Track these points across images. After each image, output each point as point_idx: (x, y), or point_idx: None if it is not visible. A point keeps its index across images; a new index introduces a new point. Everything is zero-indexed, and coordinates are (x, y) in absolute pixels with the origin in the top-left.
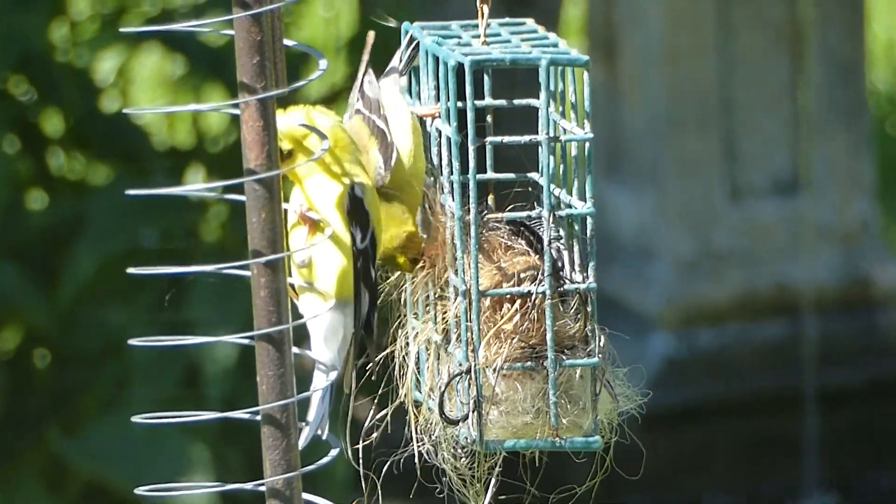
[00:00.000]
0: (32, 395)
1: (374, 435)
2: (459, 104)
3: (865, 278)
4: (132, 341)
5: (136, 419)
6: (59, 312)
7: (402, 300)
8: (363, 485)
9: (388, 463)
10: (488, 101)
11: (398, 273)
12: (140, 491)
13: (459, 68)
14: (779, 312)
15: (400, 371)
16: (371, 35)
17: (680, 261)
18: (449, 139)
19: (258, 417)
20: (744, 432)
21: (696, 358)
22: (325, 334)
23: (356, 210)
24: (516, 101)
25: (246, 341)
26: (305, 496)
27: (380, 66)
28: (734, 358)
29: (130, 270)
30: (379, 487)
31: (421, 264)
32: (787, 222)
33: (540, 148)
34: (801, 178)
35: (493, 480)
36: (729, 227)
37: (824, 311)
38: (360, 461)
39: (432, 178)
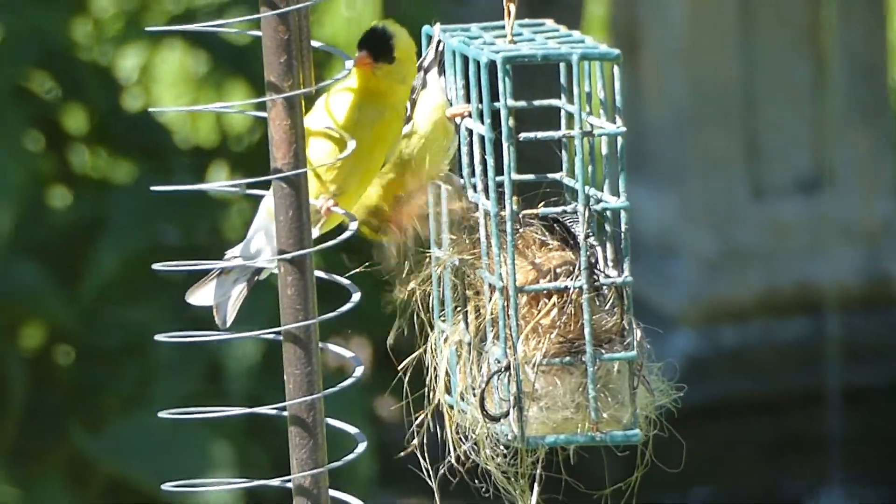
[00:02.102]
0: (55, 392)
1: (415, 441)
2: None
3: (888, 276)
4: (158, 336)
5: (162, 414)
6: (81, 309)
7: (429, 304)
8: (433, 485)
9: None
10: (510, 102)
11: (422, 278)
12: (167, 487)
13: (491, 66)
14: (801, 310)
15: (432, 375)
16: (437, 27)
17: (702, 259)
18: (481, 137)
19: (284, 413)
20: (766, 430)
21: (719, 356)
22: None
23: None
24: (537, 102)
25: (270, 336)
26: (332, 493)
27: None
28: (756, 356)
29: (155, 266)
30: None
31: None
32: (809, 220)
33: (564, 146)
34: (824, 176)
35: (537, 477)
36: (751, 225)
37: (846, 309)
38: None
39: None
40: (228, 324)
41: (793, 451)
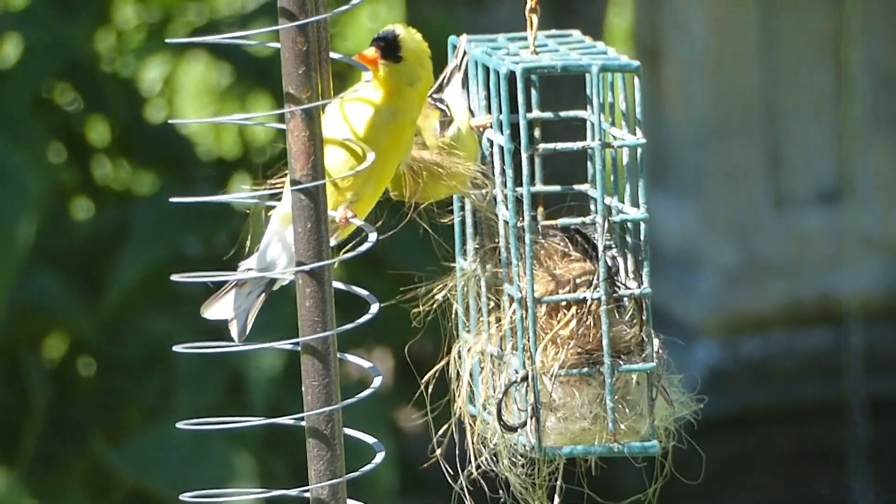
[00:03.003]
0: (77, 403)
1: (439, 451)
2: (511, 113)
3: None
4: (177, 347)
5: (180, 425)
6: (103, 321)
7: (453, 313)
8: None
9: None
10: (536, 113)
11: (447, 286)
12: (185, 497)
13: (511, 77)
14: (823, 322)
15: (455, 384)
16: (463, 38)
17: (724, 270)
18: (501, 148)
19: (303, 423)
20: (788, 441)
21: (741, 367)
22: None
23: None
24: (563, 114)
25: (289, 347)
26: (350, 503)
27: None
28: (778, 367)
29: (174, 277)
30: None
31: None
32: (831, 231)
33: (589, 156)
34: (845, 186)
35: (557, 487)
36: (773, 236)
37: (868, 320)
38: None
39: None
40: (244, 337)
41: (814, 462)
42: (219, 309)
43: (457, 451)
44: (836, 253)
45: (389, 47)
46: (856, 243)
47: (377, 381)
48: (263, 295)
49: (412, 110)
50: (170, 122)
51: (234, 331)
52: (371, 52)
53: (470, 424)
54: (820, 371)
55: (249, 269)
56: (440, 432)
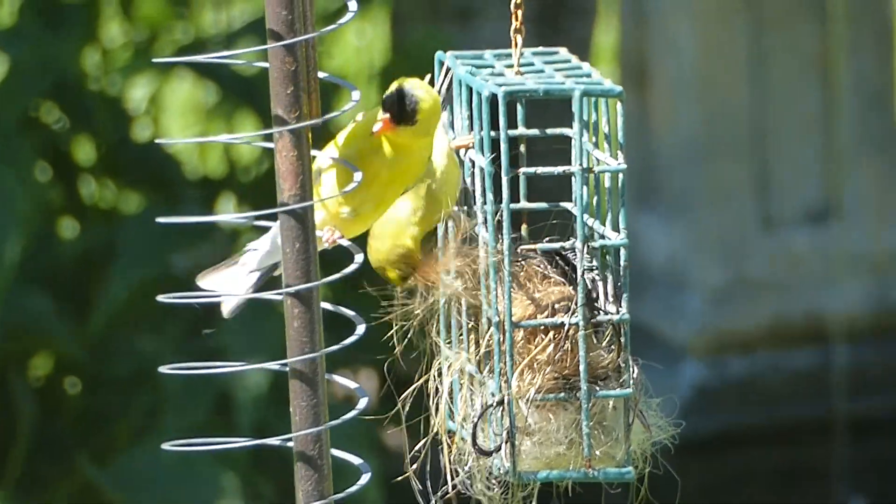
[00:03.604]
0: (63, 422)
1: (415, 466)
2: (493, 134)
3: None
4: (163, 368)
5: (166, 446)
6: (90, 340)
7: (434, 329)
8: None
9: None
10: (521, 130)
11: (430, 301)
12: None
13: (493, 98)
14: (810, 341)
15: (433, 401)
16: (450, 56)
17: (711, 289)
18: (482, 169)
19: (290, 444)
20: (775, 461)
21: (727, 387)
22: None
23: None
24: (549, 131)
25: (277, 367)
26: None
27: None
28: (765, 387)
29: (160, 298)
30: None
31: (412, 282)
32: (818, 251)
33: (573, 178)
34: (833, 206)
35: None
36: (761, 255)
37: (855, 340)
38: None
39: (465, 209)
40: (233, 315)
41: (801, 482)
42: (214, 280)
43: (429, 469)
44: (823, 273)
45: (406, 112)
46: (843, 263)
47: (363, 402)
48: (262, 278)
49: (422, 150)
50: (157, 141)
51: (225, 307)
52: (386, 120)
53: (447, 442)
54: (807, 390)
55: (254, 251)
56: (416, 448)
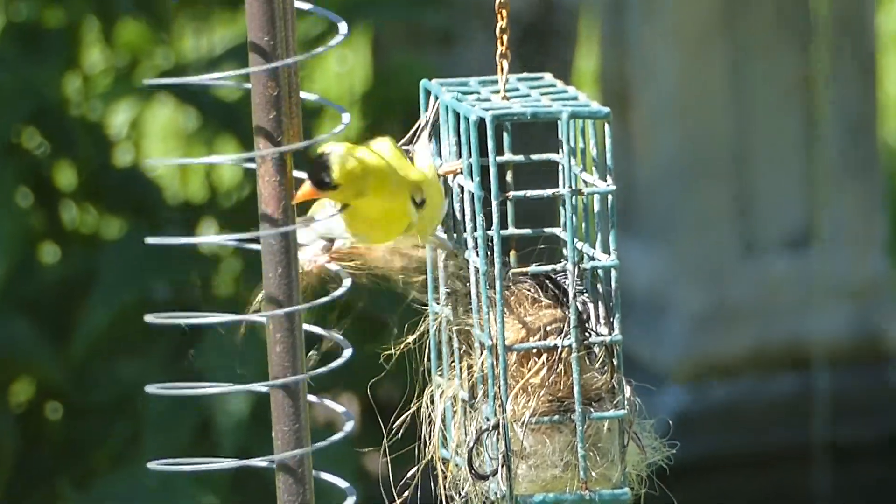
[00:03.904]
0: (44, 448)
1: (406, 493)
2: (481, 159)
3: (878, 333)
4: (149, 388)
5: (151, 465)
6: (71, 365)
7: (426, 355)
8: None
9: None
10: (508, 156)
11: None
12: None
13: (481, 123)
14: (791, 367)
15: (427, 428)
16: (433, 100)
17: (692, 315)
18: (472, 194)
19: (273, 466)
20: (756, 486)
21: (709, 412)
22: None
23: None
24: (535, 157)
25: (261, 390)
26: None
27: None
28: (746, 412)
29: (148, 317)
30: None
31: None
32: (799, 277)
33: (560, 202)
34: (814, 232)
35: None
36: (741, 281)
37: (837, 365)
38: None
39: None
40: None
41: None
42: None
43: (419, 496)
44: (804, 299)
45: (321, 177)
46: (824, 289)
47: (349, 426)
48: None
49: (380, 206)
50: (140, 163)
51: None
52: (305, 187)
53: (442, 469)
54: (788, 416)
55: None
56: (408, 475)
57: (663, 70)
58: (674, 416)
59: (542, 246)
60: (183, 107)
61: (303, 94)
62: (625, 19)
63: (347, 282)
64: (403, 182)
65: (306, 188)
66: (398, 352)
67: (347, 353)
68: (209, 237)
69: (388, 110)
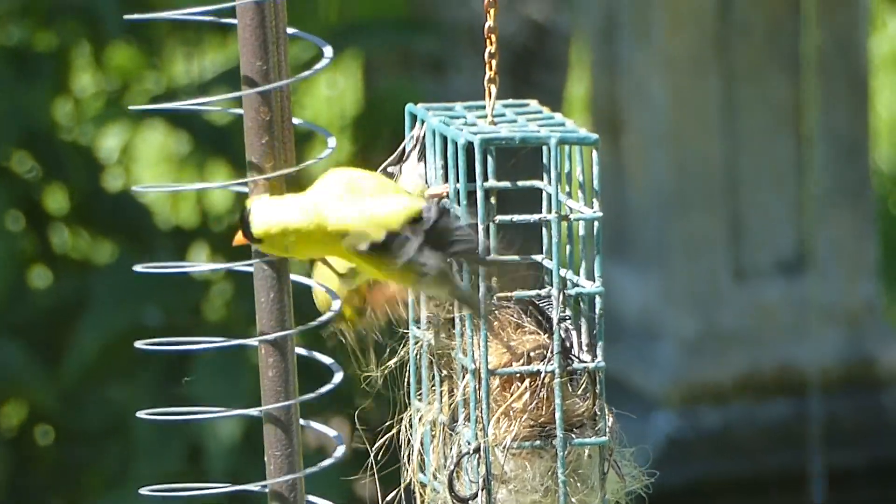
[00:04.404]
0: (36, 472)
1: None
2: (468, 184)
3: (870, 358)
4: (140, 413)
5: (143, 491)
6: (62, 390)
7: (405, 381)
8: None
9: None
10: (492, 182)
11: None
12: None
13: (469, 147)
14: (783, 392)
15: (405, 452)
16: (418, 127)
17: (684, 340)
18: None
19: (265, 491)
20: None
21: (700, 437)
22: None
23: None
24: (520, 183)
25: (253, 414)
26: None
27: (381, 144)
28: (738, 437)
29: (138, 344)
30: None
31: (366, 314)
32: (791, 302)
33: (543, 228)
34: (806, 258)
35: None
36: (733, 306)
37: (829, 391)
38: None
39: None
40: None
41: None
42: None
43: None
44: (796, 324)
45: (246, 230)
46: (816, 314)
47: (340, 451)
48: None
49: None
50: (131, 189)
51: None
52: (238, 236)
53: (420, 493)
54: (780, 442)
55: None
56: (388, 498)
57: (655, 96)
58: (666, 441)
59: (524, 272)
60: (174, 131)
61: (294, 120)
62: (616, 45)
63: (337, 304)
64: (334, 236)
65: (239, 236)
66: (380, 375)
67: (338, 377)
68: (200, 265)
69: (379, 135)
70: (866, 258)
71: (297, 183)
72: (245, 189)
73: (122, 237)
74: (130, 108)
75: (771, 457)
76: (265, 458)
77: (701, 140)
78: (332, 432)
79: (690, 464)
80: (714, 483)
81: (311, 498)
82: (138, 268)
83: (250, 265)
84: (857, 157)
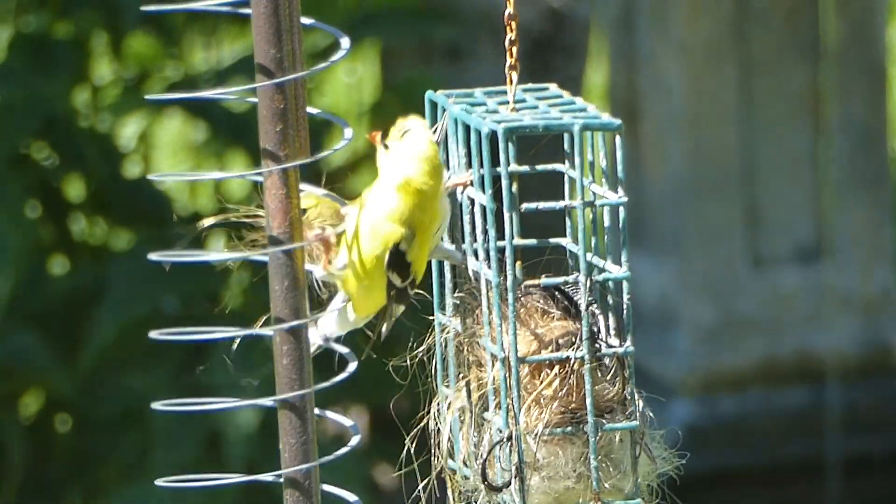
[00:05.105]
0: (54, 460)
1: None
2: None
3: (888, 346)
4: (155, 405)
5: (160, 482)
6: (80, 378)
7: (433, 368)
8: None
9: None
10: (513, 167)
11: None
12: None
13: (492, 135)
14: (800, 380)
15: (435, 440)
16: (446, 116)
17: (702, 328)
18: (483, 207)
19: (280, 480)
20: (766, 500)
21: (718, 425)
22: (339, 322)
23: (396, 262)
24: (539, 167)
25: (267, 404)
26: None
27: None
28: (756, 426)
29: (152, 334)
30: None
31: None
32: (808, 290)
33: (567, 214)
34: (823, 245)
35: None
36: (751, 295)
37: (846, 378)
38: None
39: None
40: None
41: None
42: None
43: None
44: (813, 311)
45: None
46: (834, 302)
47: (356, 439)
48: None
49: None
50: (148, 177)
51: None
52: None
53: (449, 480)
54: (798, 429)
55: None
56: (420, 487)
57: (673, 84)
58: (683, 429)
59: (549, 257)
60: (192, 119)
61: (308, 109)
62: (635, 34)
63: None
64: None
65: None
66: (408, 363)
67: (352, 366)
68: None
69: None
70: (883, 246)
71: (312, 171)
72: (260, 178)
73: (139, 225)
74: (148, 96)
75: (788, 444)
76: (280, 447)
77: (718, 128)
78: (347, 421)
79: (708, 451)
80: (731, 470)
81: (325, 487)
82: (153, 256)
83: (265, 254)
84: (874, 145)
